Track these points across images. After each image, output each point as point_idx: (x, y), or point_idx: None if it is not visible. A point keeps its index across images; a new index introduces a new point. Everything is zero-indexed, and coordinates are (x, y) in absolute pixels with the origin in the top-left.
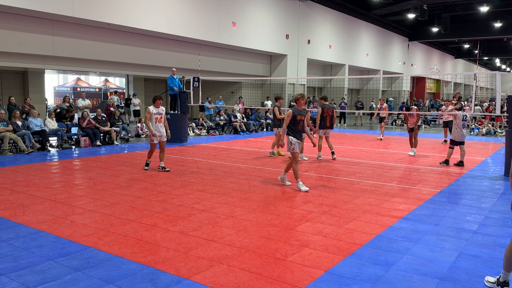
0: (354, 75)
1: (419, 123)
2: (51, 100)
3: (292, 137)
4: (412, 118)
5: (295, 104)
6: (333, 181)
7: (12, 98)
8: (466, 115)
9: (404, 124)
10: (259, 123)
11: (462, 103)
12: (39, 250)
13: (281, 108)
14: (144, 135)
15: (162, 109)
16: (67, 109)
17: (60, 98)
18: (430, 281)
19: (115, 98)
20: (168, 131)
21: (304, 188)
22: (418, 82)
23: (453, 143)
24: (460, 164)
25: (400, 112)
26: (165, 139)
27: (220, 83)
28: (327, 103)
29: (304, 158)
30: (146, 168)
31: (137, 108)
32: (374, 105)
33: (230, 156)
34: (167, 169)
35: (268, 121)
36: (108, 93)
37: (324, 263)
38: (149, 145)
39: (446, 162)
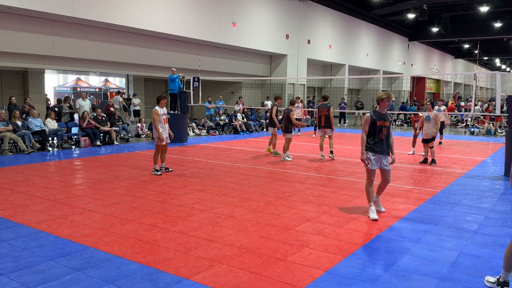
0: (354, 75)
1: None
2: (52, 101)
3: (369, 152)
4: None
5: (378, 106)
6: (333, 181)
7: (13, 98)
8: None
9: (404, 124)
10: (259, 123)
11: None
12: (39, 250)
13: (279, 108)
14: (144, 135)
15: (165, 109)
16: (65, 97)
17: (60, 98)
18: (430, 281)
19: (119, 98)
20: (171, 132)
21: (373, 216)
22: (418, 82)
23: (429, 141)
24: (425, 161)
25: (400, 112)
26: (169, 140)
27: (220, 83)
28: (326, 102)
29: (287, 158)
30: (159, 173)
31: (137, 108)
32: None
33: (230, 156)
34: (170, 169)
35: (268, 121)
36: (109, 93)
37: (324, 263)
38: (145, 145)
39: (433, 161)
